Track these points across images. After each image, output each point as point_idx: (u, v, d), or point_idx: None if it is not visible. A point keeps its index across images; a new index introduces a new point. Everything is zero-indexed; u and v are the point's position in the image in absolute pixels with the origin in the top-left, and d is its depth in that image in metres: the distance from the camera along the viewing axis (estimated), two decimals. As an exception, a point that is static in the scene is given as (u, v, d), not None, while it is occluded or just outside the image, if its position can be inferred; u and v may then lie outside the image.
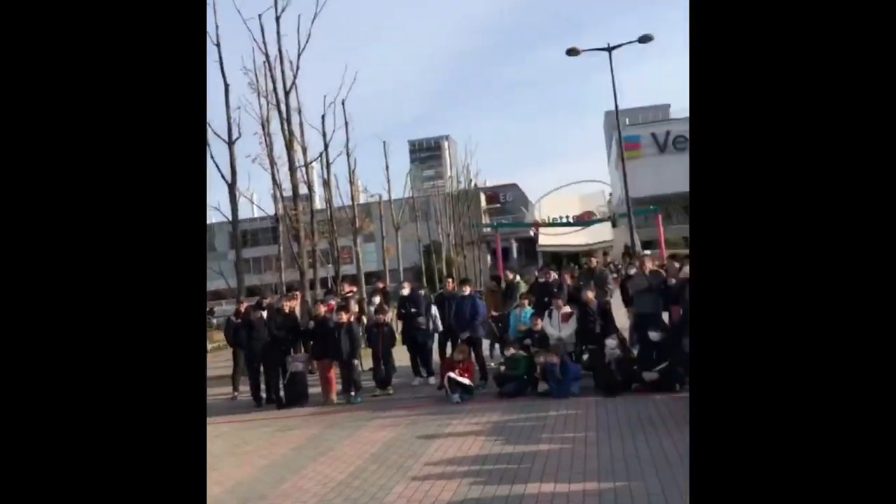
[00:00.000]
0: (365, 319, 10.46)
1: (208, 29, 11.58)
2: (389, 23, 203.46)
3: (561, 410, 6.94)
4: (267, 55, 13.19)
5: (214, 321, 25.42)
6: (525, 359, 8.17)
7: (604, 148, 64.21)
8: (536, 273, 11.02)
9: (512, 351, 8.34)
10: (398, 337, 9.67)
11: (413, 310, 9.45)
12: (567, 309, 8.82)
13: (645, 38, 16.27)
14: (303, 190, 14.54)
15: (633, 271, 9.56)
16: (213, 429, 7.04)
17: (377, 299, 10.37)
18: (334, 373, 8.96)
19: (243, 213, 14.76)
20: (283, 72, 13.26)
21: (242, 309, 10.00)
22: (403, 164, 75.35)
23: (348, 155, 16.37)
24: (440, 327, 9.49)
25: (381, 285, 12.10)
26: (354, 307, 10.22)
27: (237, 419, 8.46)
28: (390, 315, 10.01)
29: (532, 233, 45.12)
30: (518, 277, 11.66)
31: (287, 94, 13.21)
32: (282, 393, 9.02)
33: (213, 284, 13.79)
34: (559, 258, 36.95)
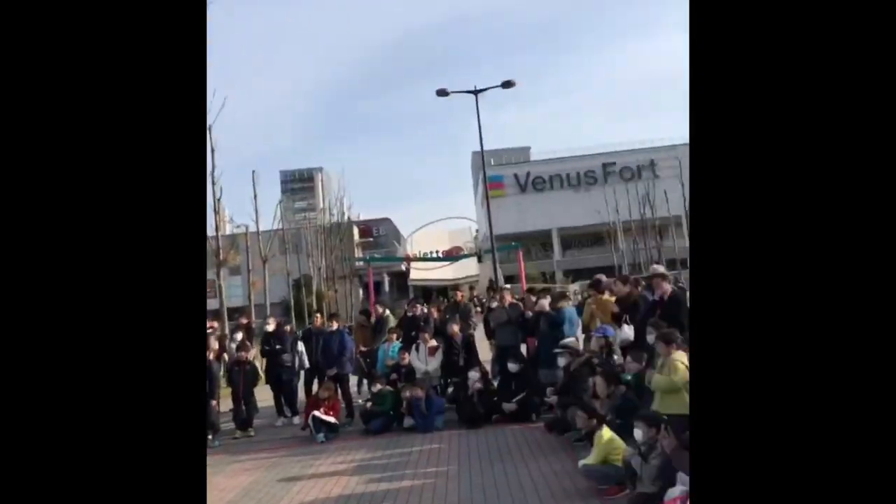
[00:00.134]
0: (226, 357, 9.98)
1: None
2: (263, 52, 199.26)
3: (425, 445, 7.04)
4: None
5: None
6: (391, 394, 8.22)
7: (471, 186, 66.78)
8: (406, 307, 11.16)
9: (379, 386, 8.36)
10: (262, 375, 9.32)
11: (278, 346, 9.17)
12: (433, 342, 9.01)
13: (508, 84, 17.38)
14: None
15: (494, 304, 9.99)
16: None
17: (239, 336, 9.95)
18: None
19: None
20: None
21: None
22: (275, 194, 73.13)
23: (213, 183, 15.67)
24: (306, 364, 9.29)
25: (244, 321, 11.64)
26: (214, 344, 9.72)
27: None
28: (253, 353, 9.64)
29: (404, 267, 45.50)
30: (388, 312, 11.75)
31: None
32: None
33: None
34: (429, 292, 37.50)
